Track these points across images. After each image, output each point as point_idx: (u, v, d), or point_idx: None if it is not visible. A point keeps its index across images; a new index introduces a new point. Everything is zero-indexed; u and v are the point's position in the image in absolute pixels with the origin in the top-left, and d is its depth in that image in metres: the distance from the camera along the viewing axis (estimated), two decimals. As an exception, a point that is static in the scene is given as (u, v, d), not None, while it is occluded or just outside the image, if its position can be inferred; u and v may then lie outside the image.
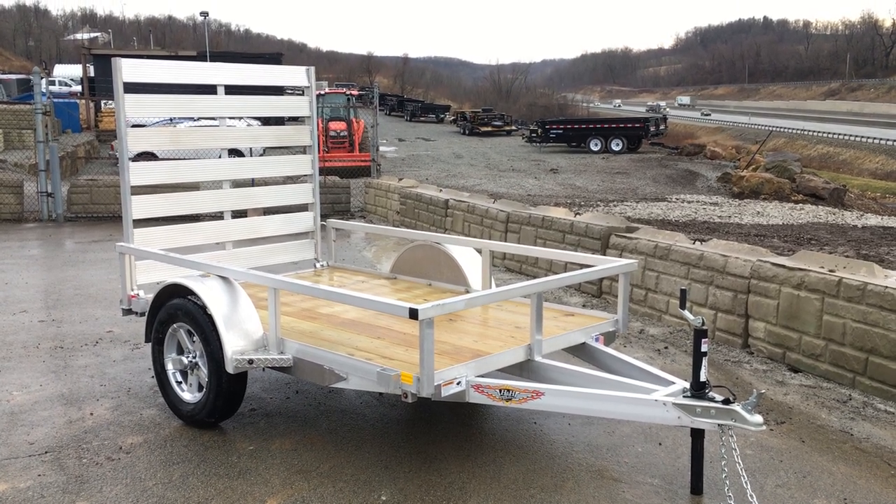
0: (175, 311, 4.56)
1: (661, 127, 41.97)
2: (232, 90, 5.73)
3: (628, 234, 7.87)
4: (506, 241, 9.40)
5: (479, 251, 5.64)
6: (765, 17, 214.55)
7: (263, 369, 4.79)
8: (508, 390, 3.80)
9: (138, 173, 5.26)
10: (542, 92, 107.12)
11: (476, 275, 5.56)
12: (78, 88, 37.72)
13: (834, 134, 57.00)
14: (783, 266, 5.99)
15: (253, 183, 10.14)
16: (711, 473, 3.95)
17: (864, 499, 3.88)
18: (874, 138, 51.71)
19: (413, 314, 3.54)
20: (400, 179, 14.05)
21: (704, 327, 3.59)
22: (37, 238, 11.68)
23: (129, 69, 5.15)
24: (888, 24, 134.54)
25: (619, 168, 29.32)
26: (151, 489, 3.87)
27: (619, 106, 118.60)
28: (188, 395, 4.63)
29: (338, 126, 24.76)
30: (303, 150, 6.27)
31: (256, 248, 6.01)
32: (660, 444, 4.46)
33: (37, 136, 13.45)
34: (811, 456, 4.36)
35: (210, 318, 4.30)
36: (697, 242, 7.26)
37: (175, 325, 4.61)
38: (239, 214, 6.00)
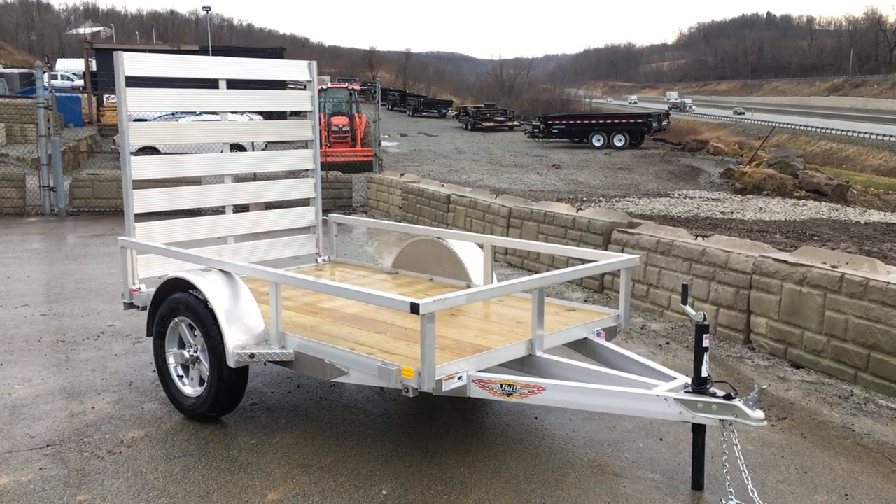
0: (177, 305, 4.56)
1: (664, 122, 41.90)
2: (234, 84, 5.72)
3: (630, 230, 7.86)
4: (508, 237, 9.40)
5: (481, 246, 5.63)
6: (768, 13, 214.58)
7: (265, 364, 4.79)
8: (509, 385, 3.80)
9: (140, 168, 5.26)
10: (545, 87, 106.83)
11: (478, 270, 5.55)
12: (80, 83, 37.70)
13: (837, 130, 56.94)
14: (785, 262, 5.98)
15: (255, 177, 10.15)
16: (712, 469, 3.95)
17: (866, 494, 3.88)
18: (877, 134, 51.65)
19: (414, 309, 3.54)
20: (402, 174, 14.03)
21: (706, 323, 3.59)
22: (39, 232, 11.69)
23: (131, 63, 5.14)
24: (892, 19, 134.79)
25: (621, 164, 29.26)
26: (153, 483, 3.88)
27: (636, 102, 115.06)
28: (189, 389, 4.64)
29: (340, 121, 24.71)
30: (305, 144, 6.27)
31: (258, 243, 6.01)
32: (661, 439, 4.46)
33: (39, 130, 13.45)
34: (812, 452, 4.36)
35: (211, 312, 4.30)
36: (699, 238, 7.25)
37: (176, 320, 4.61)
38: (240, 209, 5.99)
